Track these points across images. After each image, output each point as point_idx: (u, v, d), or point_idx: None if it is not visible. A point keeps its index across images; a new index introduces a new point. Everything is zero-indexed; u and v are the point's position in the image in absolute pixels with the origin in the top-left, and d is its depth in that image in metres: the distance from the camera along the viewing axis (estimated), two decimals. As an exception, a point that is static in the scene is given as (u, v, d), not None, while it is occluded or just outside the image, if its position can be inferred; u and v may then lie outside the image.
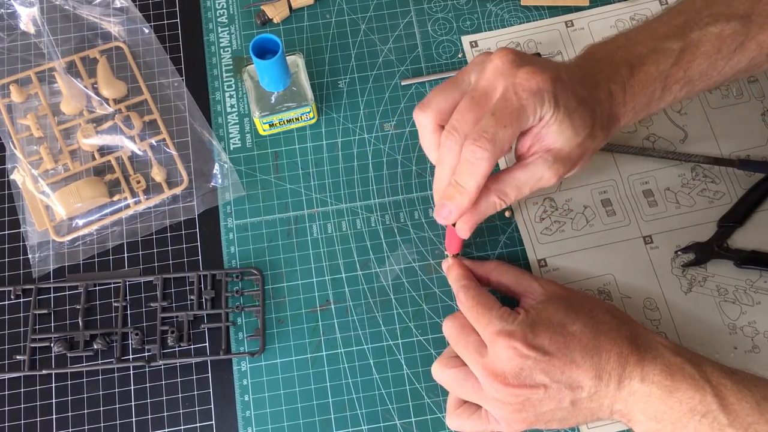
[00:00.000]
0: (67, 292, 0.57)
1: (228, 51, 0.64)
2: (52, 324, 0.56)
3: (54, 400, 0.54)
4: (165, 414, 0.53)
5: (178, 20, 0.66)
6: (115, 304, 0.56)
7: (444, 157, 0.46)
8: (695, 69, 0.49)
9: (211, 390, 0.54)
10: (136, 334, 0.54)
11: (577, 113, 0.45)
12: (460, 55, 0.64)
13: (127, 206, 0.58)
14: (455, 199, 0.46)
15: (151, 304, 0.56)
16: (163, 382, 0.54)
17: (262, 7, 0.65)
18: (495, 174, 0.48)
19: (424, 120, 0.48)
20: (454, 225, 0.49)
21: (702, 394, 0.43)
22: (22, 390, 0.54)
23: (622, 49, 0.49)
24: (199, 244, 0.58)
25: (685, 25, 0.49)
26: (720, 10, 0.49)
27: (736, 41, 0.49)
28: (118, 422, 0.53)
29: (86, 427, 0.53)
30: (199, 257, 0.58)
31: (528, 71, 0.44)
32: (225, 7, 0.66)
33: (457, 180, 0.45)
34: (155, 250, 0.58)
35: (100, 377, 0.54)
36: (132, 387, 0.54)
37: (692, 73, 0.49)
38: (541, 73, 0.43)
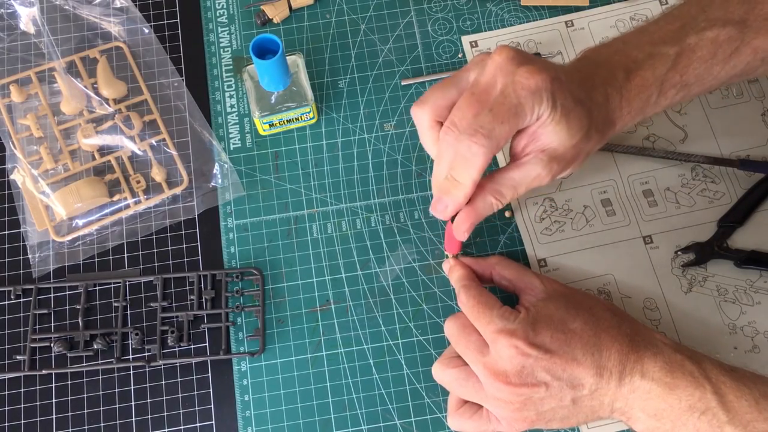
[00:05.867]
0: (67, 292, 0.57)
1: (228, 51, 0.64)
2: (52, 324, 0.56)
3: (54, 400, 0.54)
4: (165, 414, 0.53)
5: (178, 20, 0.66)
6: (115, 304, 0.56)
7: (443, 152, 0.46)
8: (691, 74, 0.49)
9: (211, 390, 0.54)
10: (136, 334, 0.54)
11: (574, 114, 0.45)
12: (460, 55, 0.64)
13: (127, 206, 0.58)
14: (451, 194, 0.46)
15: (151, 304, 0.56)
16: (163, 382, 0.54)
17: (262, 7, 0.65)
18: (490, 174, 0.48)
19: (421, 116, 0.48)
20: (452, 220, 0.49)
21: (702, 391, 0.43)
22: (22, 390, 0.54)
23: (619, 54, 0.49)
24: (199, 244, 0.58)
25: (681, 30, 0.49)
26: (716, 15, 0.49)
27: (731, 46, 0.49)
28: (118, 422, 0.53)
29: (86, 427, 0.53)
30: (199, 257, 0.58)
31: (527, 70, 0.44)
32: (225, 7, 0.66)
33: (453, 174, 0.45)
34: (155, 250, 0.58)
35: (100, 377, 0.54)
36: (132, 387, 0.54)
37: (688, 77, 0.49)
38: (540, 73, 0.44)
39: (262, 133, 0.61)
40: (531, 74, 0.43)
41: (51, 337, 0.55)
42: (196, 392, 0.54)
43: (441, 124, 0.46)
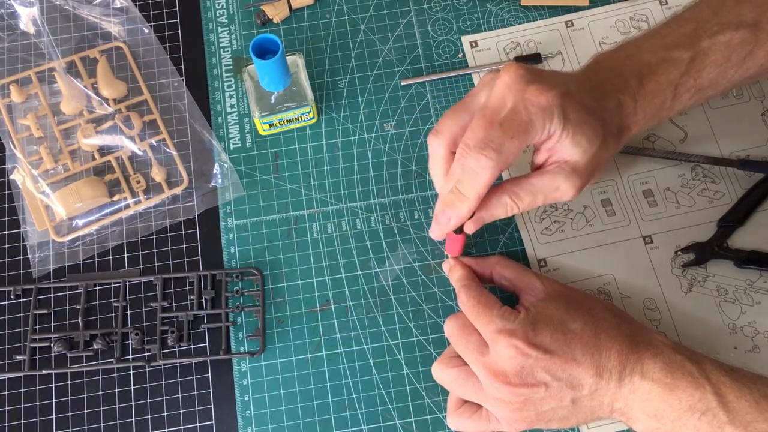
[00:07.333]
0: (67, 292, 0.57)
1: (228, 51, 0.64)
2: (52, 324, 0.56)
3: (54, 400, 0.54)
4: (165, 414, 0.53)
5: (178, 20, 0.66)
6: (115, 304, 0.56)
7: (454, 171, 0.46)
8: (705, 78, 0.49)
9: (211, 390, 0.54)
10: (136, 334, 0.54)
11: (588, 124, 0.46)
12: (460, 55, 0.64)
13: (127, 206, 0.58)
14: (455, 207, 0.46)
15: (151, 304, 0.56)
16: (163, 382, 0.54)
17: (262, 7, 0.65)
18: (512, 178, 0.48)
19: (436, 146, 0.48)
20: (455, 233, 0.49)
21: (702, 391, 0.43)
22: (22, 390, 0.54)
23: (631, 59, 0.49)
24: (199, 244, 0.58)
25: (693, 33, 0.49)
26: (728, 18, 0.49)
27: (745, 49, 0.49)
28: (118, 422, 0.53)
29: (86, 427, 0.53)
30: (199, 257, 0.58)
31: (537, 88, 0.44)
32: (225, 7, 0.66)
33: (459, 188, 0.45)
34: (155, 250, 0.58)
35: (100, 377, 0.54)
36: (132, 387, 0.54)
37: (702, 81, 0.49)
38: (551, 90, 0.44)
39: (262, 133, 0.61)
40: (541, 92, 0.44)
41: (51, 337, 0.55)
42: (196, 392, 0.54)
43: (454, 154, 0.46)
